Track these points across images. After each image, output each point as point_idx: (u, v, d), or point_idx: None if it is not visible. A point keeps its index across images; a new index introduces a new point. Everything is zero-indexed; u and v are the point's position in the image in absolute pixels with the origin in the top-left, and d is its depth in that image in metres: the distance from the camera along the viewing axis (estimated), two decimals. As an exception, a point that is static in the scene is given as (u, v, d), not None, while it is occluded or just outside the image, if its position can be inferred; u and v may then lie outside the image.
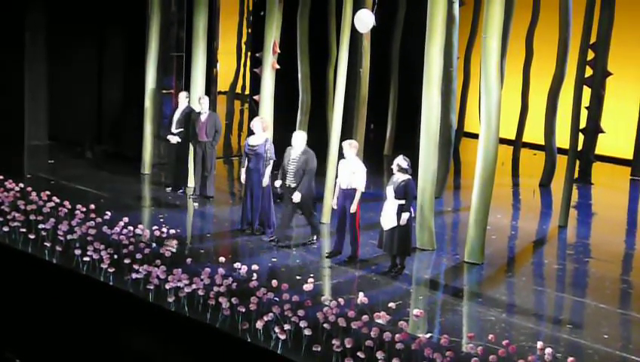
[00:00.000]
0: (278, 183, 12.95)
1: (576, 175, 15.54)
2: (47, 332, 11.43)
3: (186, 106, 15.38)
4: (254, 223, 13.27)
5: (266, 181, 13.15)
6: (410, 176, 11.74)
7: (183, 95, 15.55)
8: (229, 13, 19.73)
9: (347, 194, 12.15)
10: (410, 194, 11.71)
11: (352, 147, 12.21)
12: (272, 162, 13.19)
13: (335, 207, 12.46)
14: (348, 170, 12.15)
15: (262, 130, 13.22)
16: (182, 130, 15.28)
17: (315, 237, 13.00)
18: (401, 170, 11.70)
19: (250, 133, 13.46)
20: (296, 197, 12.56)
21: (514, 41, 18.36)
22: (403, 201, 11.60)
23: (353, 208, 12.08)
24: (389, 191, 11.71)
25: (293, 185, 12.60)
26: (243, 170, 13.29)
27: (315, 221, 13.10)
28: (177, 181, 15.61)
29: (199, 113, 14.99)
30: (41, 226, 12.30)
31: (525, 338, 9.93)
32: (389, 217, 11.68)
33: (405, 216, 11.59)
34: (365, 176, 12.20)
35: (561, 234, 14.40)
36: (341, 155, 14.29)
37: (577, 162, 15.76)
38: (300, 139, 12.77)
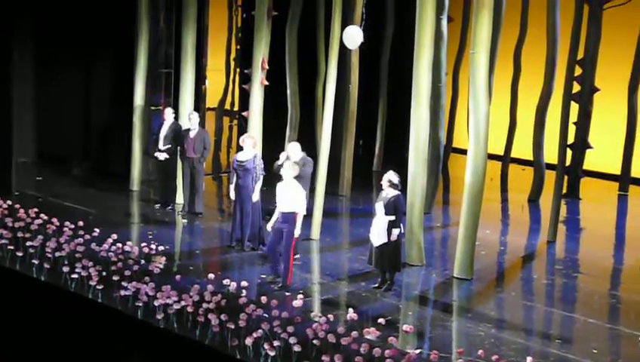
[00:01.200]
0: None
1: (564, 190, 15.58)
2: (36, 350, 11.36)
3: (173, 122, 15.38)
4: (244, 240, 13.25)
5: (256, 197, 13.13)
6: (399, 192, 11.75)
7: (169, 111, 15.54)
8: (217, 29, 19.76)
9: (286, 218, 11.77)
10: (400, 210, 11.70)
11: (292, 169, 11.92)
12: (262, 178, 13.18)
13: (270, 230, 12.06)
14: (287, 193, 11.82)
15: (252, 147, 13.22)
16: (170, 146, 15.27)
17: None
18: (392, 185, 11.70)
19: (239, 149, 13.45)
20: None
21: (502, 57, 18.45)
22: (393, 217, 11.60)
23: (297, 233, 11.74)
24: (379, 207, 11.71)
25: None
26: (232, 187, 13.27)
27: None
28: (166, 197, 15.58)
29: (188, 129, 14.99)
30: (29, 243, 12.24)
31: (515, 353, 9.93)
32: (379, 233, 11.67)
33: (395, 232, 11.59)
34: (305, 199, 11.98)
35: (549, 250, 14.43)
36: (330, 172, 14.34)
37: (566, 177, 15.82)
38: (294, 149, 12.88)
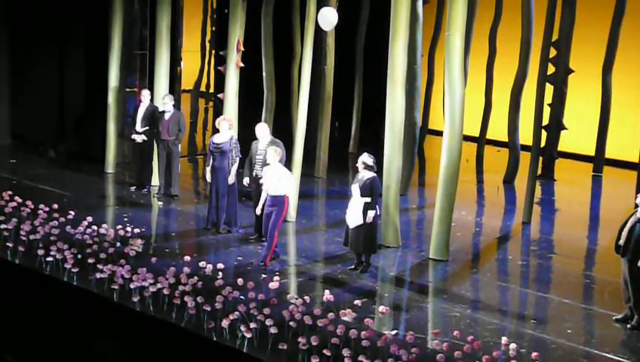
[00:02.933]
0: (246, 181, 12.97)
1: (539, 171, 15.67)
2: (10, 332, 11.30)
3: (150, 104, 15.29)
4: (220, 222, 13.23)
5: (232, 179, 13.11)
6: (375, 174, 11.77)
7: (145, 93, 15.45)
8: (192, 11, 19.64)
9: (274, 201, 11.92)
10: (376, 192, 11.73)
11: (276, 153, 12.03)
12: (238, 160, 13.17)
13: (258, 213, 12.36)
14: (274, 177, 11.94)
15: (227, 129, 13.19)
16: (147, 128, 15.19)
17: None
18: (367, 167, 11.72)
19: (215, 131, 13.41)
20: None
21: (477, 40, 18.49)
22: (369, 199, 11.62)
23: (285, 213, 11.98)
24: (355, 188, 11.72)
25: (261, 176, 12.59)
26: (208, 169, 13.24)
27: None
28: (142, 180, 15.52)
29: (163, 112, 14.92)
30: (3, 226, 12.16)
31: (490, 333, 10.00)
32: (355, 215, 11.70)
33: (371, 213, 11.62)
34: (292, 181, 12.16)
35: (524, 231, 14.52)
36: (306, 154, 14.34)
37: (540, 159, 15.90)
38: (262, 130, 12.92)
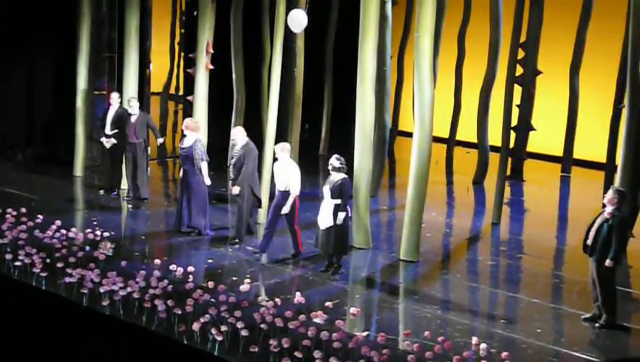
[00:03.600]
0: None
1: (508, 172, 15.77)
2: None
3: (119, 107, 15.21)
4: (183, 223, 13.21)
5: (207, 181, 13.08)
6: (346, 176, 11.80)
7: (114, 95, 15.36)
8: (161, 13, 19.59)
9: (284, 196, 12.17)
10: (346, 194, 11.78)
11: (284, 150, 12.24)
12: (205, 163, 13.10)
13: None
14: (283, 172, 12.17)
15: (193, 132, 13.15)
16: (117, 131, 15.11)
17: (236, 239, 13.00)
18: (335, 169, 11.77)
19: (184, 134, 13.38)
20: (235, 189, 12.77)
21: (446, 41, 18.59)
22: (339, 201, 11.65)
23: (285, 209, 12.08)
24: (326, 190, 11.76)
25: (232, 179, 12.88)
26: (182, 172, 13.27)
27: (245, 219, 13.05)
28: (111, 183, 15.43)
29: (130, 114, 14.84)
30: (-30, 231, 12.06)
31: (460, 334, 10.05)
32: (325, 216, 11.73)
33: (342, 215, 11.65)
34: (299, 177, 12.21)
35: (494, 231, 14.60)
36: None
37: (509, 160, 16.00)
38: (238, 133, 13.01)
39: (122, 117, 15.04)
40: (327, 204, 11.75)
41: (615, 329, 10.42)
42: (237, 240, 12.91)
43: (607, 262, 10.28)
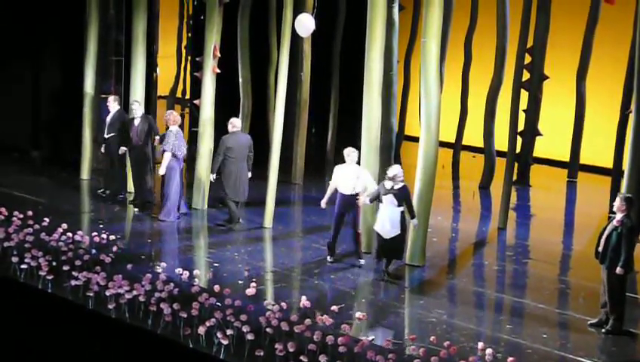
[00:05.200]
0: (212, 177, 13.95)
1: (514, 177, 15.76)
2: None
3: (117, 110, 15.27)
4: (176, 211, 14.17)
5: (161, 171, 13.87)
6: (404, 182, 11.86)
7: (111, 99, 15.47)
8: (168, 16, 19.61)
9: (349, 200, 12.19)
10: (410, 199, 11.91)
11: (353, 153, 12.32)
12: (168, 153, 13.85)
13: (324, 206, 12.49)
14: (350, 176, 12.19)
15: (172, 124, 14.03)
16: (113, 134, 15.16)
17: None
18: (390, 178, 11.78)
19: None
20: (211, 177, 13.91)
21: (453, 46, 18.59)
22: (403, 208, 11.75)
23: (364, 201, 12.09)
24: (389, 199, 11.72)
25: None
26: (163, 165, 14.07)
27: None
28: (110, 185, 15.47)
29: (133, 118, 14.86)
30: (-23, 233, 12.07)
31: (466, 339, 10.03)
32: (392, 225, 11.72)
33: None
34: (371, 176, 12.34)
35: (500, 236, 14.58)
36: (283, 160, 14.36)
37: (516, 165, 15.99)
38: (237, 123, 14.00)
39: (122, 120, 15.09)
40: (393, 212, 11.74)
41: (621, 334, 10.40)
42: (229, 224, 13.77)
43: (618, 270, 10.25)
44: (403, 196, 11.75)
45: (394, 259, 12.02)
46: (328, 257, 12.46)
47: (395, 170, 11.84)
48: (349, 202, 12.22)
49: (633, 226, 10.39)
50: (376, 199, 11.85)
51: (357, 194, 12.19)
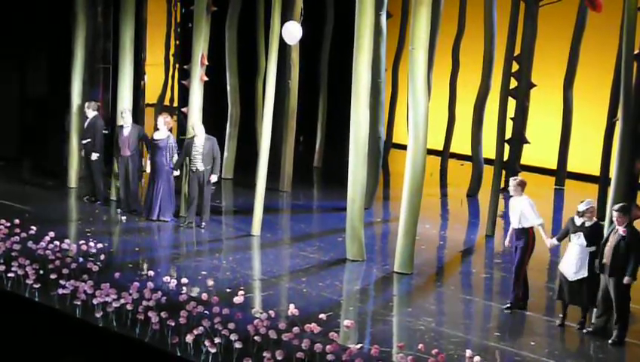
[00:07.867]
0: (176, 173, 14.44)
1: (502, 185, 15.78)
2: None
3: (94, 116, 15.31)
4: (154, 210, 14.37)
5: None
6: (596, 219, 10.81)
7: (87, 105, 15.50)
8: (156, 24, 19.62)
9: (517, 234, 11.34)
10: (601, 239, 10.61)
11: (518, 184, 11.45)
12: (176, 156, 14.29)
13: (507, 245, 11.72)
14: (517, 209, 11.32)
15: (166, 128, 14.32)
16: (89, 140, 15.19)
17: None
18: (579, 213, 10.74)
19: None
20: (214, 178, 14.14)
21: (441, 53, 18.61)
22: (594, 248, 10.58)
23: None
24: (578, 237, 10.70)
25: (201, 169, 14.02)
26: (149, 162, 14.45)
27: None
28: (90, 191, 15.48)
29: (122, 127, 14.84)
30: (-37, 242, 12.02)
31: (454, 346, 10.03)
32: (578, 266, 10.67)
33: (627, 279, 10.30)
34: (532, 210, 11.26)
35: (488, 244, 14.60)
36: (271, 168, 14.36)
37: (503, 172, 16.01)
38: (199, 128, 14.23)
39: (95, 126, 15.14)
40: (581, 252, 10.62)
41: (616, 344, 10.36)
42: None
43: (626, 279, 10.20)
44: (594, 235, 10.58)
45: (586, 305, 10.78)
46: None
47: (586, 204, 10.72)
48: (518, 236, 11.30)
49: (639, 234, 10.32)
50: (565, 237, 10.91)
51: (527, 229, 11.20)
